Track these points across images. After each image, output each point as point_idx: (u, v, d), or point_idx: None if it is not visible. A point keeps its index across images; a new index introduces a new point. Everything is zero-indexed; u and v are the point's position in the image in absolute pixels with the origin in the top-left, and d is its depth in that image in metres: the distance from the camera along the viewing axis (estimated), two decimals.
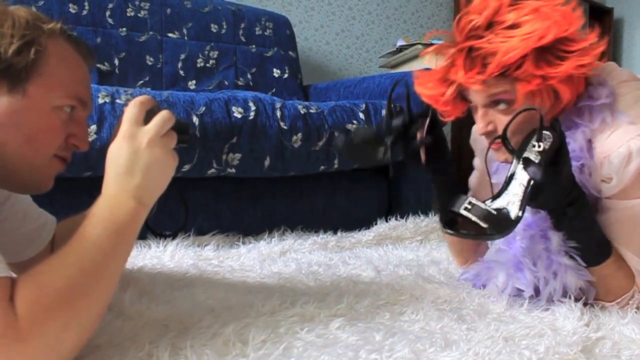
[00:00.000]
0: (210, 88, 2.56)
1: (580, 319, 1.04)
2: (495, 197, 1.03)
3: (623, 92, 1.12)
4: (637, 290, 1.12)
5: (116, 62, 2.38)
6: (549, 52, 1.06)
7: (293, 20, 3.20)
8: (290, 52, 2.88)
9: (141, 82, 2.42)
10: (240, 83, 2.62)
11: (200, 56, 2.59)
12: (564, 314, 1.07)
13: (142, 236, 1.56)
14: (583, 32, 1.10)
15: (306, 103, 2.02)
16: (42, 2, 2.26)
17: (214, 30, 2.67)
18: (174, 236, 1.65)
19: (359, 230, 2.08)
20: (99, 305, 0.75)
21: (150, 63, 2.47)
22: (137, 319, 0.99)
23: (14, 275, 0.69)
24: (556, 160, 1.01)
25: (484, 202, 1.01)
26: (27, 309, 0.66)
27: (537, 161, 1.00)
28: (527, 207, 1.05)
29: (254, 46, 2.76)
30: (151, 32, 2.51)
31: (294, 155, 1.89)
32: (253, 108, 1.81)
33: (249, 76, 2.68)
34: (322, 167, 1.99)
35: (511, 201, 1.00)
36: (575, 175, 1.08)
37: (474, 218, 0.97)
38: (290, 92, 2.76)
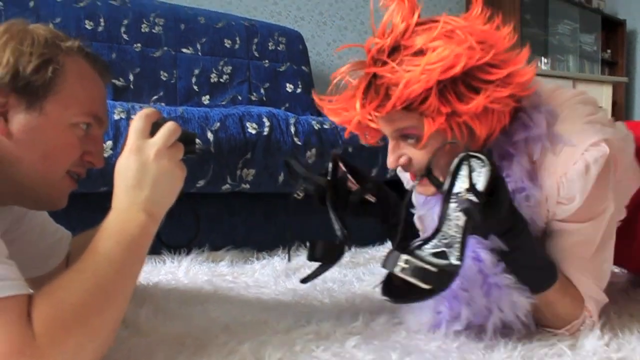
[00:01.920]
0: (223, 103, 2.57)
1: (600, 338, 1.02)
2: (429, 239, 0.90)
3: (564, 114, 1.02)
4: (587, 315, 1.06)
5: (131, 77, 2.40)
6: (461, 83, 0.94)
7: (305, 34, 3.22)
8: (303, 67, 2.90)
9: (155, 97, 2.43)
10: (253, 98, 2.63)
11: (214, 71, 2.60)
12: (583, 333, 1.04)
13: (157, 252, 1.56)
14: (512, 53, 0.99)
15: (320, 118, 2.02)
16: (59, 19, 2.29)
17: (228, 46, 2.68)
18: (186, 248, 1.64)
19: (373, 246, 2.07)
20: (113, 320, 0.75)
21: (164, 78, 2.48)
22: (153, 335, 0.98)
23: (31, 291, 0.69)
24: (493, 191, 0.88)
25: (418, 248, 0.89)
26: (44, 326, 0.66)
27: (471, 198, 0.85)
28: None
29: (267, 61, 2.77)
30: (165, 48, 2.53)
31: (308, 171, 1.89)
32: (267, 124, 1.81)
33: (262, 91, 2.69)
34: None
35: (448, 244, 0.88)
36: (521, 206, 0.99)
37: (412, 280, 0.84)
38: (304, 107, 2.76)
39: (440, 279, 0.84)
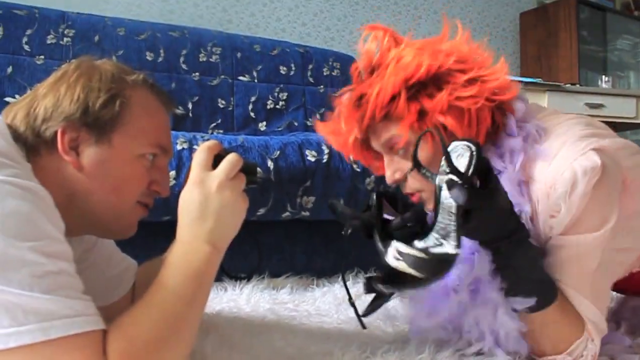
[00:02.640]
0: (280, 129, 2.58)
1: None
2: (427, 232, 0.89)
3: (560, 130, 1.02)
4: (589, 338, 0.99)
5: (190, 106, 2.44)
6: (432, 86, 1.00)
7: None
8: None
9: (213, 124, 2.47)
10: (309, 123, 2.64)
11: (270, 98, 2.63)
12: None
13: (218, 279, 1.56)
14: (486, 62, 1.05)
15: None
16: (122, 51, 2.36)
17: (283, 72, 2.71)
18: (248, 278, 1.64)
19: None
20: (183, 352, 0.76)
21: (222, 106, 2.52)
22: None
23: (105, 327, 0.70)
24: (485, 182, 0.87)
25: (416, 240, 0.88)
26: None
27: (453, 178, 0.84)
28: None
29: (322, 87, 2.78)
30: (222, 76, 2.57)
31: (367, 198, 1.86)
32: (326, 151, 1.81)
33: (318, 116, 2.69)
34: None
35: (445, 234, 0.86)
36: None
37: (406, 269, 0.84)
38: None
39: (434, 267, 0.84)
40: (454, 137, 0.98)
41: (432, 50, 1.02)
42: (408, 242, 0.90)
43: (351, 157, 1.20)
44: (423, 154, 1.01)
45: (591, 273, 0.99)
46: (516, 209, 0.98)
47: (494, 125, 1.05)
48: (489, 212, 0.88)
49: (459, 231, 0.85)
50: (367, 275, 0.96)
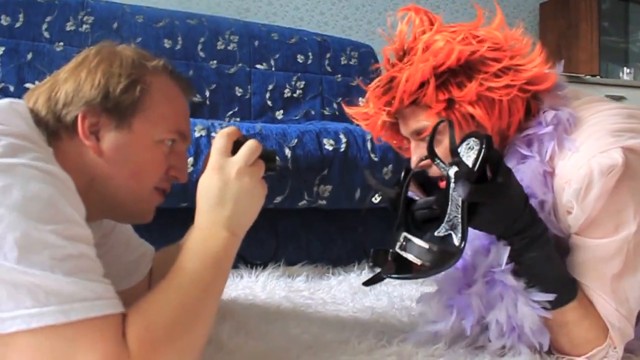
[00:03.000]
0: (297, 118, 2.58)
1: None
2: (438, 224, 0.89)
3: (592, 122, 0.97)
4: (611, 345, 0.95)
5: (207, 93, 2.45)
6: (463, 75, 0.98)
7: (377, 49, 3.20)
8: None
9: (230, 112, 2.47)
10: (326, 113, 2.63)
11: (287, 86, 2.62)
12: None
13: (235, 266, 1.57)
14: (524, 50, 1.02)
15: None
16: (140, 39, 2.37)
17: (300, 61, 2.70)
18: (264, 265, 1.65)
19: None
20: (201, 337, 0.76)
21: (239, 94, 2.52)
22: (236, 353, 0.98)
23: (124, 310, 0.70)
24: (494, 175, 0.86)
25: (430, 227, 0.88)
26: (138, 345, 0.67)
27: (463, 175, 0.84)
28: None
29: (339, 76, 2.77)
30: (240, 64, 2.57)
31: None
32: (344, 140, 1.80)
33: (335, 106, 2.69)
34: None
35: (453, 226, 0.86)
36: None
37: (409, 257, 0.85)
38: None
39: (438, 259, 0.84)
40: (481, 128, 0.97)
41: (464, 36, 0.99)
42: (426, 225, 0.91)
43: (381, 139, 1.18)
44: (449, 144, 0.97)
45: (611, 278, 0.94)
46: (539, 199, 0.96)
47: (527, 115, 1.02)
48: (497, 207, 0.86)
49: (464, 225, 0.85)
50: (376, 248, 0.95)
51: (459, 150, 0.89)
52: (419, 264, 0.85)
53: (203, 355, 0.79)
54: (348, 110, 1.17)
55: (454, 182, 0.85)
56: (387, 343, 1.05)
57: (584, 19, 3.96)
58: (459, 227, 0.85)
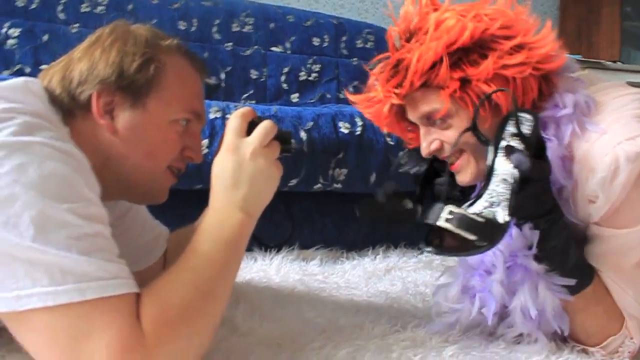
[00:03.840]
0: (312, 101, 2.57)
1: None
2: (475, 200, 0.85)
3: (612, 107, 0.95)
4: (628, 335, 0.94)
5: (222, 76, 2.44)
6: (475, 53, 0.94)
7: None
8: None
9: (246, 95, 2.46)
10: (342, 96, 2.61)
11: (303, 69, 2.60)
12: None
13: (248, 248, 1.57)
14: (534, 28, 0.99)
15: None
16: (155, 20, 2.36)
17: (316, 44, 2.68)
18: (278, 248, 1.65)
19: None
20: (215, 319, 0.76)
21: (254, 77, 2.51)
22: (251, 336, 0.99)
23: (139, 290, 0.70)
24: (538, 153, 0.86)
25: (464, 208, 0.84)
26: (153, 325, 0.67)
27: (521, 148, 0.83)
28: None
29: (355, 59, 2.74)
30: (255, 47, 2.55)
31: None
32: (360, 123, 1.79)
33: (351, 89, 2.66)
34: None
35: (495, 202, 0.83)
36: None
37: (457, 230, 0.80)
38: None
39: (488, 231, 0.81)
40: (497, 108, 0.95)
41: (475, 13, 0.96)
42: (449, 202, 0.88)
43: (384, 129, 1.16)
44: (462, 124, 0.97)
45: (631, 268, 0.93)
46: (557, 187, 0.95)
47: (540, 96, 0.99)
48: (543, 184, 0.86)
49: (512, 200, 0.82)
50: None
51: (506, 125, 0.88)
52: (471, 239, 0.81)
53: (217, 338, 0.79)
54: (351, 97, 1.13)
55: (509, 155, 0.83)
56: (401, 328, 1.05)
57: (605, 4, 3.88)
58: (504, 203, 0.82)
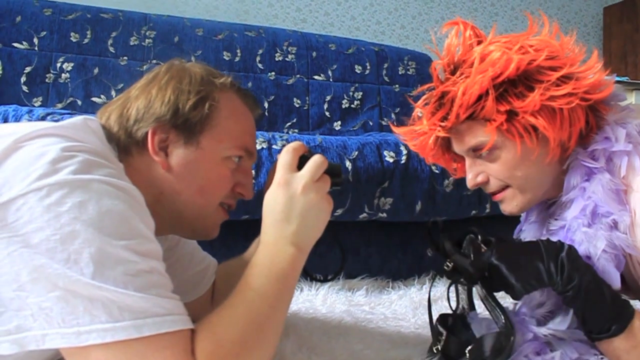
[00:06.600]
0: (355, 128, 2.57)
1: None
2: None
3: None
4: None
5: (266, 105, 2.47)
6: (521, 85, 0.94)
7: (435, 58, 3.16)
8: None
9: (289, 123, 2.49)
10: (384, 123, 2.62)
11: (345, 97, 2.62)
12: None
13: None
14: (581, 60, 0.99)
15: None
16: (200, 52, 2.41)
17: (358, 71, 2.69)
18: (331, 279, 1.64)
19: None
20: (268, 353, 0.76)
21: (297, 105, 2.53)
22: None
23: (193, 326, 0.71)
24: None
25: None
26: None
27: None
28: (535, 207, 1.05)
29: (397, 86, 2.75)
30: (298, 75, 2.59)
31: (445, 200, 1.82)
32: (404, 152, 1.78)
33: (393, 116, 2.66)
34: (474, 211, 1.91)
35: (494, 316, 0.92)
36: (606, 233, 0.91)
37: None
38: None
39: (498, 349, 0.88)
40: (545, 140, 0.94)
41: (520, 45, 0.96)
42: None
43: (429, 161, 1.16)
44: (509, 156, 0.97)
45: None
46: (610, 219, 0.92)
47: (587, 126, 0.98)
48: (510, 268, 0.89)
49: (500, 309, 0.91)
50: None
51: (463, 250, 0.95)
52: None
53: None
54: (396, 130, 1.13)
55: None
56: None
57: None
58: (500, 317, 0.90)
